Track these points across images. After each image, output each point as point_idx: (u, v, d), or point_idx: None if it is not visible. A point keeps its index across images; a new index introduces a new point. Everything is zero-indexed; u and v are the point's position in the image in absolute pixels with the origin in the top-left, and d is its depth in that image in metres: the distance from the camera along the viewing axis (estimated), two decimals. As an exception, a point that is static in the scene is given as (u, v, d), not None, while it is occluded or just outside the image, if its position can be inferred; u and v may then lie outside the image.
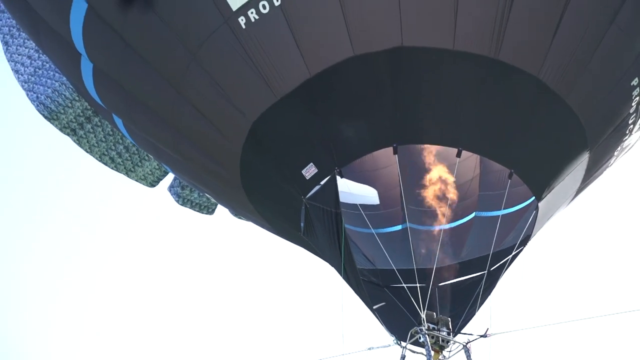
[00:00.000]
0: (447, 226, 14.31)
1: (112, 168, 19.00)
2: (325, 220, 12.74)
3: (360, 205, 13.63)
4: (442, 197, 14.10)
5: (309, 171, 12.72)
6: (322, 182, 12.61)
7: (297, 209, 13.07)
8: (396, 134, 12.57)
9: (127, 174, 18.98)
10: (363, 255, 14.26)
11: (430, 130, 12.66)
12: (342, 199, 12.96)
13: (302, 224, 13.24)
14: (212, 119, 12.92)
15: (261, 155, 13.00)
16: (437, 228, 14.19)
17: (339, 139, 12.56)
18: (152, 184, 19.42)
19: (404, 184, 13.98)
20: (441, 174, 13.90)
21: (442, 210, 14.04)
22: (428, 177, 14.07)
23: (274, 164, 13.02)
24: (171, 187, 19.53)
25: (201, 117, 12.98)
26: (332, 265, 13.45)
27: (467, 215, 14.62)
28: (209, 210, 19.85)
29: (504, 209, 13.67)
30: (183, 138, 13.70)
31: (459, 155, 12.83)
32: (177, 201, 19.88)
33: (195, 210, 19.99)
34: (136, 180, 19.30)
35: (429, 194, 14.25)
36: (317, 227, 12.98)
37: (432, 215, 14.36)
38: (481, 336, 12.63)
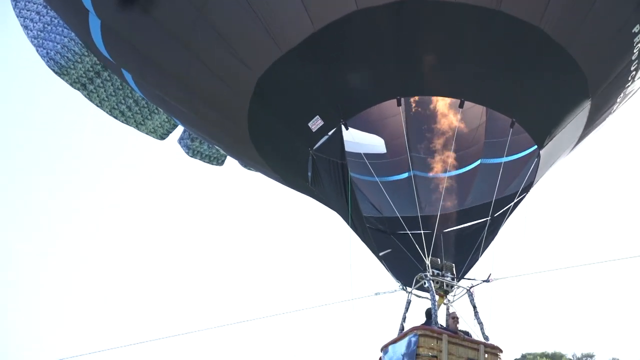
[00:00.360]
0: (453, 173, 14.49)
1: (122, 121, 19.24)
2: (331, 171, 13.01)
3: (367, 154, 13.86)
4: (447, 145, 14.27)
5: (315, 124, 12.94)
6: (328, 134, 12.83)
7: (304, 161, 13.33)
8: (400, 86, 12.75)
9: (137, 127, 19.22)
10: (370, 204, 14.49)
11: (433, 81, 12.81)
12: (349, 148, 13.20)
13: (309, 175, 13.53)
14: (219, 74, 13.10)
15: (268, 108, 13.21)
16: (442, 175, 14.38)
17: (344, 91, 12.75)
18: (162, 136, 19.67)
19: (409, 132, 14.18)
20: (446, 122, 14.06)
21: (447, 157, 14.23)
22: (433, 126, 14.24)
23: (280, 117, 13.24)
24: (181, 140, 19.77)
25: (209, 72, 13.16)
26: (340, 214, 13.74)
27: (473, 163, 14.78)
28: (219, 161, 20.11)
29: (507, 156, 13.87)
30: (192, 93, 13.89)
31: (461, 105, 13.01)
32: (187, 153, 20.14)
33: (205, 161, 20.26)
34: (146, 133, 19.55)
35: (435, 142, 14.44)
36: (324, 177, 13.27)
37: (437, 163, 14.55)
38: (484, 281, 12.96)
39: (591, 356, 51.44)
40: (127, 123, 19.17)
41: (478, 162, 14.73)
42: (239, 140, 14.28)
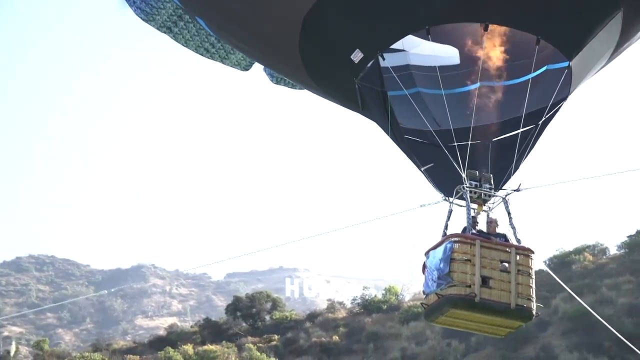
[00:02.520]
0: (510, 82, 14.82)
1: (208, 57, 20.86)
2: (374, 98, 14.29)
3: (441, 66, 14.69)
4: (510, 52, 14.62)
5: (356, 56, 14.16)
6: (369, 65, 14.01)
7: (352, 89, 14.63)
8: (428, 15, 13.70)
9: (222, 61, 20.82)
10: (432, 117, 15.15)
11: (457, 9, 13.63)
12: (422, 62, 14.20)
13: (359, 101, 14.84)
14: (270, 13, 14.40)
15: (315, 44, 14.47)
16: (505, 83, 14.73)
17: (377, 24, 13.83)
18: (246, 68, 21.22)
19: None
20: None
21: (514, 65, 14.69)
22: (485, 45, 14.75)
23: (326, 51, 14.50)
24: (265, 68, 21.31)
25: (262, 13, 14.54)
26: (386, 133, 14.87)
27: (539, 69, 15.17)
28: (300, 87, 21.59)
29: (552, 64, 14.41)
30: (252, 34, 15.31)
31: (486, 29, 13.81)
32: (272, 80, 21.66)
33: (288, 87, 21.75)
34: (231, 66, 21.13)
35: (494, 54, 14.95)
36: (370, 103, 14.57)
37: (502, 72, 14.83)
38: (514, 190, 14.01)
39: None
40: (213, 58, 20.78)
41: (544, 68, 14.85)
42: (299, 73, 15.64)
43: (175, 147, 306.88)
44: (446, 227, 13.79)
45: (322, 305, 63.31)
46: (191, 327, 58.94)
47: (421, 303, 14.06)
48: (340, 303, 58.12)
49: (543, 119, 14.49)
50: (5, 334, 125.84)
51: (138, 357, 50.30)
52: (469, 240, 13.13)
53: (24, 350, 73.18)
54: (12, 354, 54.21)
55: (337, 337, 50.14)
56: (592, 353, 42.98)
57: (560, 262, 54.29)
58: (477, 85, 14.75)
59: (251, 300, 56.56)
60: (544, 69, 14.56)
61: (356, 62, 14.22)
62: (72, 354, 55.95)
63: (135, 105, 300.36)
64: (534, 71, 14.41)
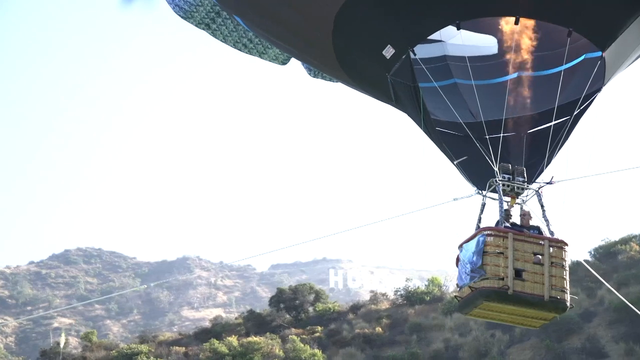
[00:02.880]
0: (553, 71, 14.66)
1: (246, 52, 21.11)
2: (406, 93, 14.38)
3: (478, 57, 14.68)
4: (544, 43, 14.53)
5: (388, 52, 14.27)
6: (400, 60, 14.11)
7: (385, 84, 14.73)
8: (458, 10, 13.74)
9: (260, 56, 21.06)
10: (467, 109, 15.10)
11: (488, 3, 13.65)
12: (458, 52, 14.21)
13: (392, 95, 14.94)
14: (302, 12, 14.58)
15: (348, 41, 14.63)
16: (540, 74, 14.63)
17: (407, 19, 13.91)
18: (284, 62, 21.43)
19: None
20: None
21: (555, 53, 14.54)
22: (518, 37, 14.70)
23: (359, 47, 14.64)
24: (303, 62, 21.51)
25: (295, 11, 14.72)
26: (419, 126, 14.93)
27: (575, 59, 15.04)
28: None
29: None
30: (287, 33, 15.52)
31: (517, 22, 13.80)
32: (309, 74, 21.88)
33: (326, 79, 21.94)
34: (269, 60, 21.37)
35: (527, 44, 14.86)
36: (402, 97, 14.66)
37: (537, 62, 14.70)
38: (547, 183, 14.01)
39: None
40: (251, 53, 21.03)
41: (582, 57, 14.79)
42: (333, 67, 15.81)
43: (221, 140, 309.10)
44: (479, 220, 13.88)
45: (366, 296, 63.46)
46: (235, 319, 59.48)
47: (455, 296, 14.15)
48: (383, 294, 58.22)
49: (577, 110, 14.45)
50: (56, 325, 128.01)
51: (184, 348, 50.89)
52: (501, 233, 13.19)
53: (74, 341, 74.45)
54: (61, 345, 55.16)
55: (380, 329, 50.27)
56: (639, 344, 42.60)
57: (606, 253, 53.81)
58: (514, 75, 14.75)
59: (294, 292, 56.91)
60: (582, 57, 14.47)
61: (388, 57, 14.33)
62: (119, 345, 56.80)
63: (179, 97, 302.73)
64: (568, 62, 14.34)
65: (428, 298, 53.99)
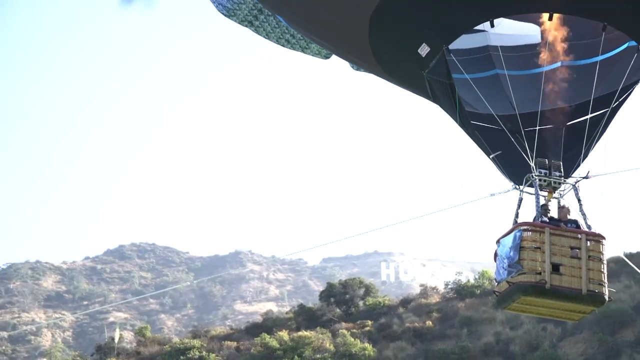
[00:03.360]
0: (597, 59, 14.39)
1: (289, 48, 21.35)
2: (442, 90, 14.44)
3: (520, 46, 14.53)
4: (579, 35, 14.31)
5: (423, 50, 14.35)
6: (436, 58, 14.18)
7: (422, 80, 14.82)
8: (492, 6, 13.77)
9: (303, 51, 21.30)
10: (509, 102, 14.85)
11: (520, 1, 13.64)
12: (499, 42, 14.14)
13: (429, 92, 15.02)
14: (339, 12, 14.75)
15: (383, 40, 14.78)
16: (577, 63, 14.38)
17: (442, 19, 13.97)
18: (327, 56, 21.63)
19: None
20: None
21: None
22: (554, 29, 14.62)
23: (395, 46, 14.75)
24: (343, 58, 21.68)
25: (332, 11, 14.91)
26: (456, 121, 14.95)
27: (615, 49, 14.55)
28: None
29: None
30: (326, 32, 15.73)
31: (550, 18, 13.75)
32: (352, 67, 22.07)
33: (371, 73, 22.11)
34: (312, 55, 21.58)
35: (562, 35, 14.60)
36: (439, 94, 14.73)
37: (573, 52, 14.49)
38: (583, 178, 13.96)
39: None
40: (294, 48, 21.26)
41: (626, 45, 14.53)
42: (372, 65, 15.96)
43: (275, 135, 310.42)
44: (517, 215, 13.91)
45: (418, 289, 63.38)
46: (286, 313, 59.86)
47: (493, 291, 14.20)
48: (433, 288, 58.09)
49: (615, 103, 14.33)
50: (111, 319, 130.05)
51: (235, 343, 51.40)
52: (538, 228, 13.23)
53: (129, 335, 75.59)
54: (116, 340, 56.06)
55: (430, 322, 50.20)
56: (693, 336, 42.03)
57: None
58: (554, 66, 14.63)
59: (344, 286, 57.07)
60: (622, 47, 14.30)
61: (423, 55, 14.41)
62: (172, 340, 57.56)
63: (226, 95, 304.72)
64: (605, 52, 14.17)
65: (478, 291, 53.72)
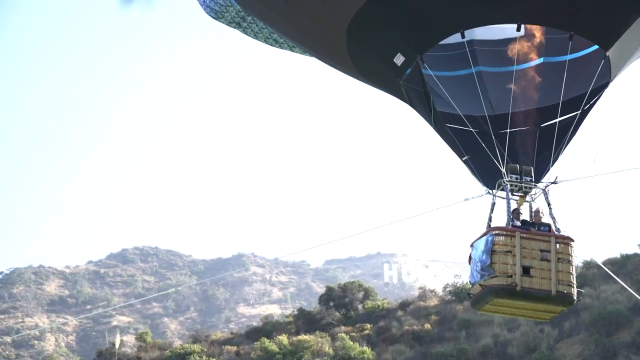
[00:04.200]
0: (567, 57, 14.34)
1: (277, 47, 21.57)
2: (418, 98, 14.71)
3: (503, 39, 14.55)
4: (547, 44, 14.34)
5: (399, 59, 14.63)
6: (410, 68, 14.44)
7: (398, 88, 15.10)
8: (465, 18, 14.03)
9: (291, 50, 21.53)
10: (489, 102, 14.87)
11: (491, 11, 13.87)
12: (481, 36, 14.24)
13: (407, 99, 15.29)
14: (317, 21, 15.02)
15: (361, 49, 15.09)
16: (560, 59, 14.36)
17: (416, 29, 14.24)
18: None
19: None
20: None
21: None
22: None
23: (372, 55, 15.03)
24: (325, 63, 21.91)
25: (310, 21, 15.19)
26: (429, 124, 15.09)
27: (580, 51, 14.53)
28: None
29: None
30: (306, 38, 16.01)
31: (518, 29, 14.02)
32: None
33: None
34: (301, 54, 21.84)
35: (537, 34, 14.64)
36: (414, 101, 15.00)
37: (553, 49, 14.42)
38: (551, 183, 14.22)
39: None
40: (282, 48, 21.48)
41: (594, 47, 14.50)
42: (353, 71, 16.27)
43: (276, 138, 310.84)
44: (490, 219, 14.17)
45: (418, 291, 63.57)
46: (286, 317, 60.07)
47: (468, 293, 14.47)
48: (432, 291, 58.26)
49: (586, 105, 14.52)
50: (114, 323, 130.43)
51: (235, 347, 51.62)
52: (509, 232, 13.52)
53: (132, 339, 75.77)
54: (116, 346, 56.19)
55: (429, 325, 50.37)
56: (689, 338, 42.14)
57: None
58: (533, 63, 14.69)
59: (343, 290, 57.29)
60: (593, 47, 14.41)
61: (399, 65, 14.70)
62: (173, 344, 57.77)
63: (227, 98, 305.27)
64: (573, 53, 14.29)
65: (477, 294, 53.76)
